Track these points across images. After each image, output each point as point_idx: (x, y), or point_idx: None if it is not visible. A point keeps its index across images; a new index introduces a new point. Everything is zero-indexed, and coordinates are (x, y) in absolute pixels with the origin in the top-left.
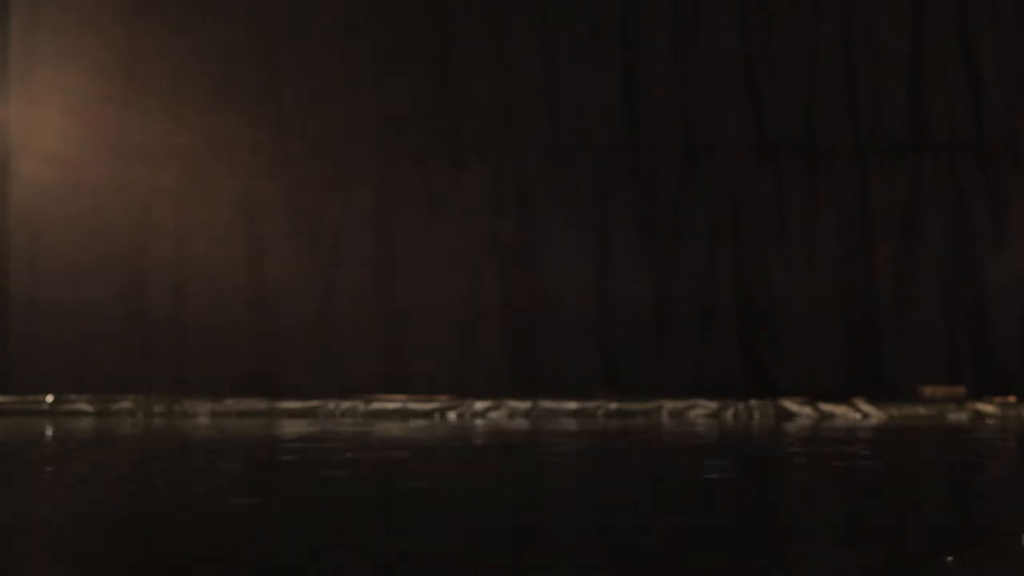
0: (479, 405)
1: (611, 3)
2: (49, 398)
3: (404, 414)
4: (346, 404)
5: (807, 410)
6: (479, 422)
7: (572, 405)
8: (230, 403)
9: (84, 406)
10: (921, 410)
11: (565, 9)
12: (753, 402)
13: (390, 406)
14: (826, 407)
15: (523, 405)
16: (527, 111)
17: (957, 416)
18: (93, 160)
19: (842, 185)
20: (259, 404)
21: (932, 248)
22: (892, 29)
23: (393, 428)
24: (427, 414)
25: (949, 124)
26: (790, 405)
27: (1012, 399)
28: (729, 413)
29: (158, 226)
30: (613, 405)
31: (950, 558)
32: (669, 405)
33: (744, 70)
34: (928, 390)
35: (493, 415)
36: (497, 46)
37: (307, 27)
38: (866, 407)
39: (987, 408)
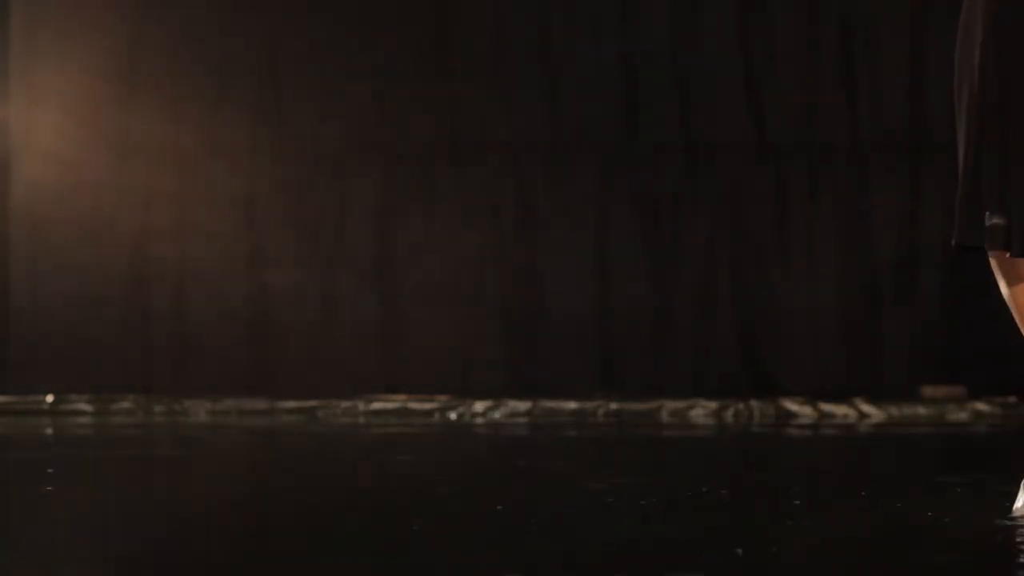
0: (479, 405)
1: (611, 2)
2: (49, 398)
3: (404, 414)
4: (346, 404)
5: (807, 410)
6: (479, 422)
7: (572, 405)
8: (230, 403)
9: (84, 406)
10: (921, 410)
11: (565, 8)
12: (753, 402)
13: (390, 406)
14: (826, 407)
15: (523, 405)
16: (527, 111)
17: (957, 416)
18: (93, 160)
19: (842, 185)
20: (259, 404)
21: (932, 248)
22: (892, 29)
23: (393, 428)
24: (427, 414)
25: (949, 124)
26: (790, 405)
27: (1012, 399)
28: (729, 413)
29: (158, 226)
30: (613, 405)
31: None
32: (669, 405)
33: (744, 70)
34: (928, 390)
35: (493, 415)
36: (497, 46)
37: (307, 27)
38: (866, 407)
39: (987, 408)
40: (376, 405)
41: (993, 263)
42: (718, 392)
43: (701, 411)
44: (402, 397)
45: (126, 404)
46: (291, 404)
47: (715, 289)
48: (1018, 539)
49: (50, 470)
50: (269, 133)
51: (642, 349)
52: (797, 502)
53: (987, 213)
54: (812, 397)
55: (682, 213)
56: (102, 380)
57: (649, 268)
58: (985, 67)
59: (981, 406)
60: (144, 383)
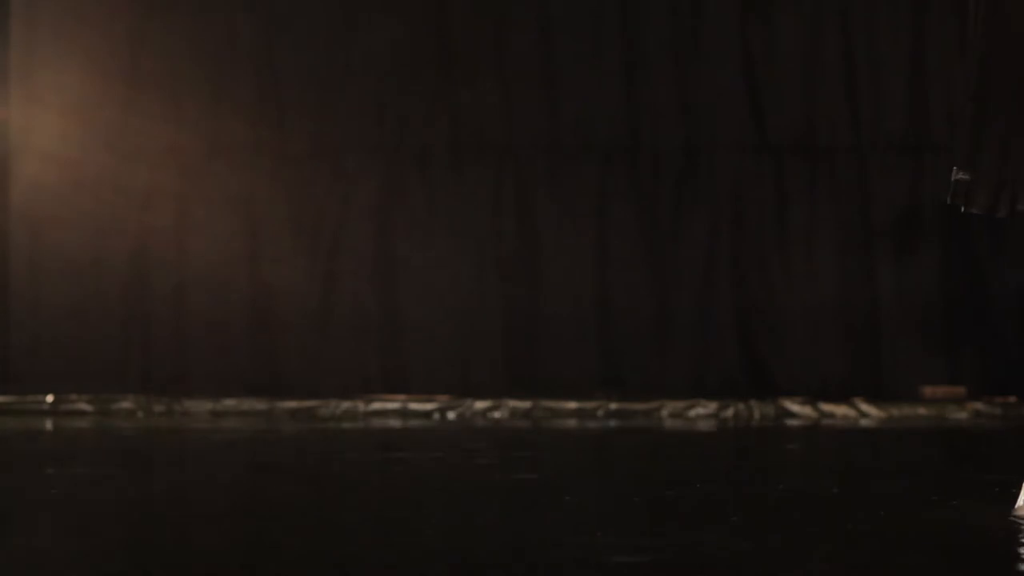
0: (479, 405)
1: (612, 3)
2: (49, 398)
3: (404, 414)
4: (346, 404)
5: (807, 410)
6: (479, 422)
7: (572, 405)
8: (230, 403)
9: (84, 406)
10: (921, 410)
11: (566, 9)
12: (753, 402)
13: (390, 406)
14: (826, 407)
15: (523, 405)
16: (527, 111)
17: (957, 416)
18: (93, 160)
19: (842, 185)
20: (259, 404)
21: (932, 248)
22: (892, 29)
23: (393, 428)
24: (427, 414)
25: (949, 124)
26: (790, 405)
27: (1012, 399)
28: (729, 413)
29: (158, 226)
30: (613, 405)
31: None
32: (669, 405)
33: (744, 70)
34: (928, 390)
35: (493, 415)
36: (497, 46)
37: (307, 27)
38: (866, 407)
39: (987, 408)
40: (376, 405)
41: None
42: (718, 392)
43: (701, 411)
44: (402, 397)
45: (126, 404)
46: (291, 404)
47: (715, 289)
48: (1019, 539)
49: None
50: (269, 133)
51: (642, 349)
52: (795, 501)
53: (955, 168)
54: (812, 397)
55: (682, 213)
56: (102, 380)
57: (649, 268)
58: (974, 28)
59: (981, 406)
60: (144, 383)
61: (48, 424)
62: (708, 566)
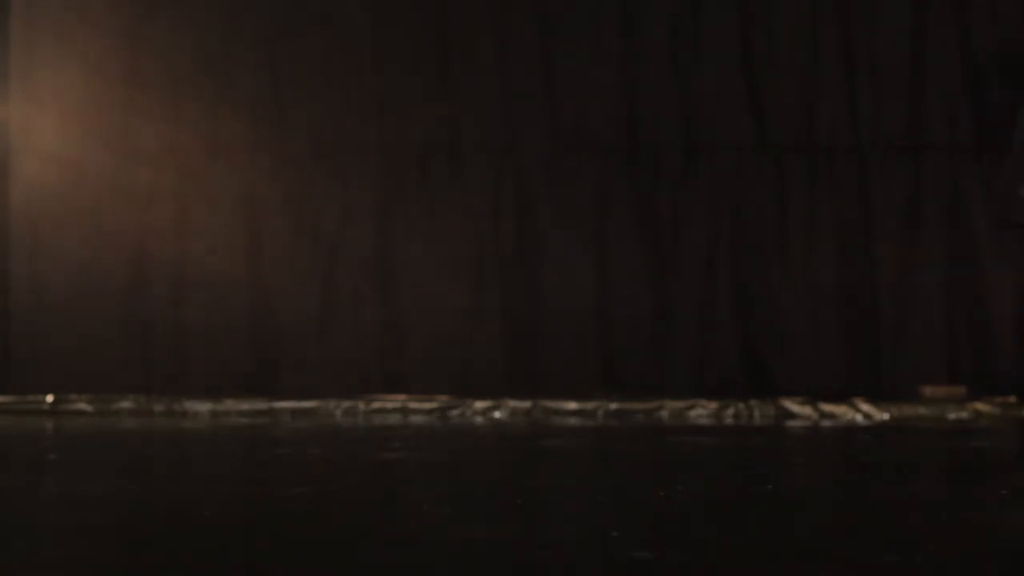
0: (479, 405)
1: (612, 3)
2: (49, 398)
3: (404, 414)
4: (346, 404)
5: (807, 410)
6: (479, 421)
7: (572, 405)
8: (230, 403)
9: (84, 406)
10: (921, 410)
11: (565, 9)
12: (753, 402)
13: (390, 406)
14: (826, 407)
15: (523, 405)
16: (527, 111)
17: (957, 416)
18: (93, 160)
19: (842, 185)
20: (259, 404)
21: (932, 248)
22: (892, 29)
23: (393, 428)
24: (427, 414)
25: (949, 124)
26: (790, 405)
27: (1012, 399)
28: (729, 413)
29: (158, 226)
30: (613, 405)
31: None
32: (669, 405)
33: (744, 70)
34: (928, 390)
35: (493, 415)
36: (497, 46)
37: (307, 27)
38: (866, 407)
39: (987, 408)
40: (376, 405)
41: None
42: (718, 392)
43: (701, 411)
44: (402, 397)
45: (126, 404)
46: (291, 404)
47: (715, 289)
48: (1017, 536)
49: None
50: (269, 133)
51: (642, 349)
52: (797, 502)
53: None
54: (812, 397)
55: (682, 213)
56: (102, 380)
57: (649, 268)
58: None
59: (981, 406)
60: (144, 383)
61: (48, 424)
62: (712, 566)
